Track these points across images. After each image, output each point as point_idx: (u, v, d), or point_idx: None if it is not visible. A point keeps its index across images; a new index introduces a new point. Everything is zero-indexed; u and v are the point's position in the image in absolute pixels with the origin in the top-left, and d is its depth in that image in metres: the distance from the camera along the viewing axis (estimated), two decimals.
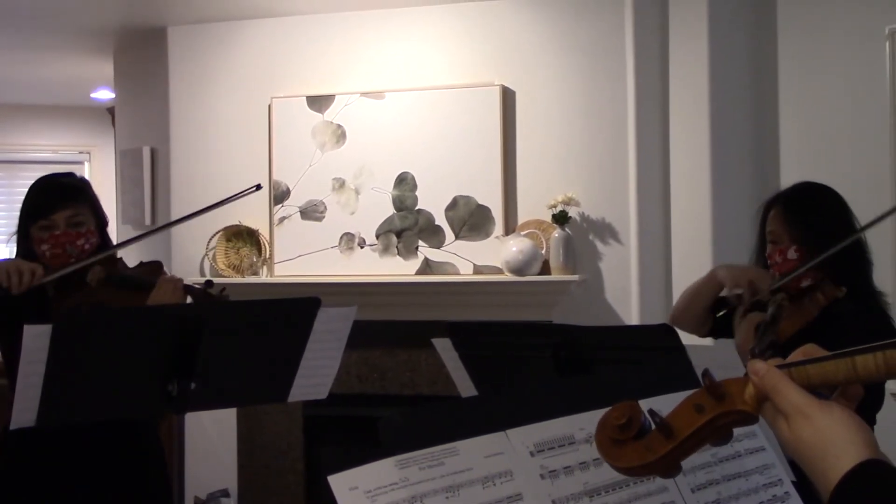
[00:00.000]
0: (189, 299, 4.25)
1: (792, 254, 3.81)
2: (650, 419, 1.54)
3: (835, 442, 1.44)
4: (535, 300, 6.92)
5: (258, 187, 4.60)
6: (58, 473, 4.16)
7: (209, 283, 4.28)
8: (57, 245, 4.16)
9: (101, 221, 4.39)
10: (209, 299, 4.19)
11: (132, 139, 8.31)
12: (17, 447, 4.13)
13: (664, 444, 1.52)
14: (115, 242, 4.59)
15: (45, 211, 4.19)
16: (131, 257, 4.63)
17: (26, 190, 4.35)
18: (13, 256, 4.33)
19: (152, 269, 4.40)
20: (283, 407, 7.32)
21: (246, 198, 7.52)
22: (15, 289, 3.95)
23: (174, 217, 7.65)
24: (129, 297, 4.17)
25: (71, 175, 4.47)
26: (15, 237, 4.33)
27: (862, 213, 3.98)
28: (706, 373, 1.55)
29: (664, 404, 1.62)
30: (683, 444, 1.52)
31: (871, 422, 3.61)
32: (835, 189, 3.97)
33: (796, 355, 1.56)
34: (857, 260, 3.85)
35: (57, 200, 4.20)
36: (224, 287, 4.32)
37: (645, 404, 1.58)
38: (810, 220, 3.83)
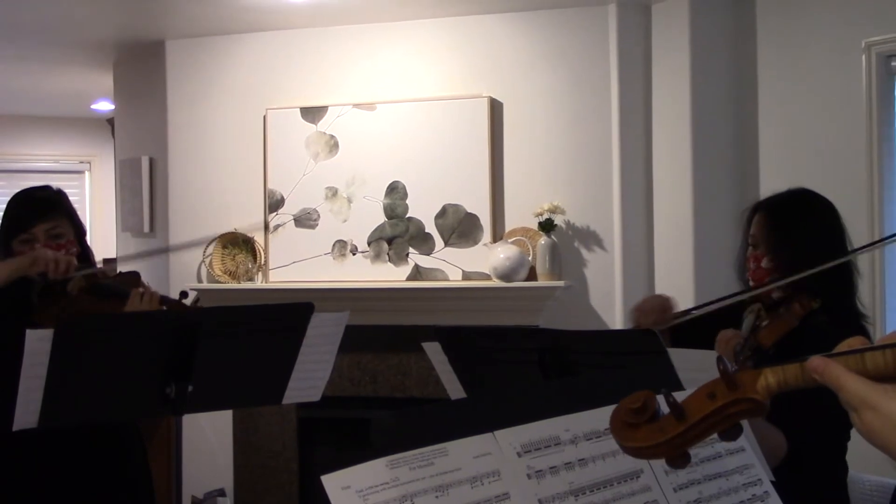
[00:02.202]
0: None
1: (766, 263, 3.71)
2: (664, 403, 1.55)
3: None
4: (522, 305, 6.93)
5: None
6: (38, 474, 4.14)
7: (184, 294, 4.27)
8: None
9: (80, 231, 4.38)
10: (183, 310, 4.19)
11: (131, 149, 8.31)
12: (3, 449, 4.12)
13: (676, 427, 1.52)
14: (114, 249, 4.59)
15: (25, 225, 4.18)
16: (130, 264, 4.63)
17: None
18: None
19: (130, 280, 4.39)
20: (278, 409, 7.32)
21: (242, 206, 7.57)
22: (52, 274, 4.00)
23: (172, 226, 7.66)
24: (108, 307, 4.16)
25: (47, 188, 4.45)
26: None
27: None
28: (720, 359, 1.55)
29: None
30: (694, 427, 1.52)
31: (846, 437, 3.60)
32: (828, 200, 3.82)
33: (840, 348, 1.55)
34: (836, 278, 3.74)
35: (35, 214, 4.20)
36: (198, 297, 4.33)
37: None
38: (789, 234, 3.69)
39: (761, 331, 3.68)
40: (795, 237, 3.70)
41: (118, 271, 4.52)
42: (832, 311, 3.60)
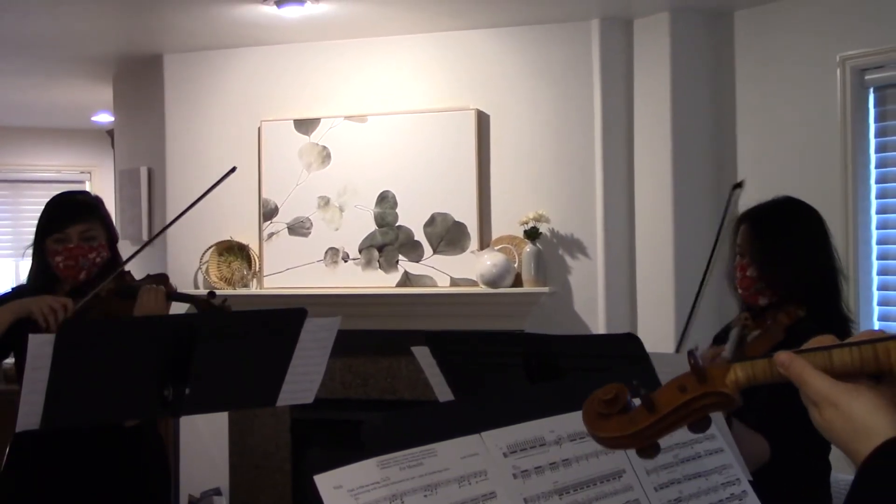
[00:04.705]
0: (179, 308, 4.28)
1: (751, 272, 3.72)
2: (636, 394, 1.55)
3: (864, 424, 1.43)
4: (508, 311, 6.93)
5: (233, 169, 4.58)
6: (63, 474, 4.15)
7: (212, 294, 4.29)
8: (70, 257, 4.18)
9: (112, 237, 4.41)
10: (210, 308, 4.21)
11: (130, 160, 8.30)
12: (25, 449, 4.12)
13: (647, 418, 1.52)
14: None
15: (60, 225, 4.21)
16: (132, 270, 4.62)
17: (31, 207, 4.38)
18: (28, 268, 4.37)
19: (157, 281, 4.40)
20: (272, 411, 7.32)
21: (237, 215, 7.55)
22: (52, 328, 3.94)
23: (170, 233, 7.64)
24: (132, 307, 4.18)
25: (85, 193, 4.51)
26: (30, 250, 4.34)
27: None
28: (691, 353, 1.55)
29: None
30: (664, 419, 1.52)
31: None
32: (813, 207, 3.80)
33: (810, 344, 1.55)
34: (820, 282, 3.74)
35: (72, 215, 4.23)
36: (226, 298, 4.33)
37: None
38: (771, 242, 3.70)
39: (747, 346, 3.68)
40: (777, 245, 3.69)
41: (147, 274, 4.52)
42: (818, 318, 3.59)
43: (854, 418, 1.44)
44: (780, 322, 3.62)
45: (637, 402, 1.55)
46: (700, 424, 1.56)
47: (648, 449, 1.57)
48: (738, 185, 3.77)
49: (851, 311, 3.82)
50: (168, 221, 7.59)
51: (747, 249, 3.75)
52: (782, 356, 1.52)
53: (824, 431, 1.48)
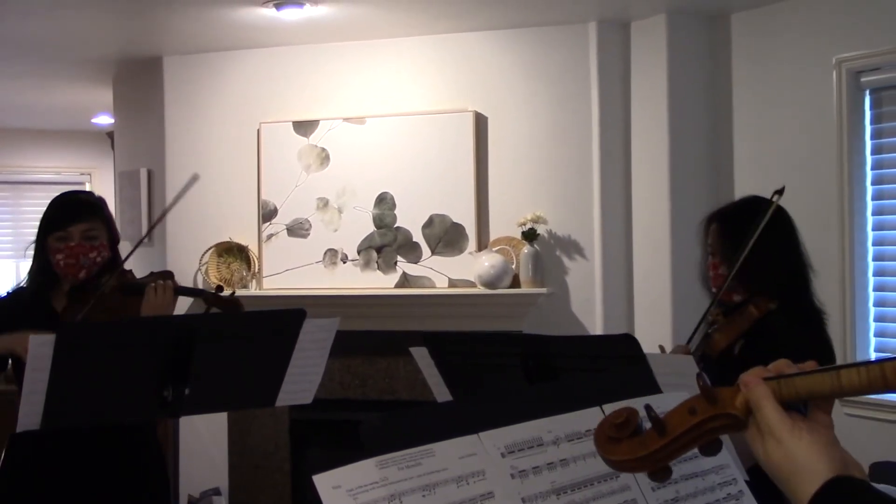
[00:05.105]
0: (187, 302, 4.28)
1: (723, 270, 3.80)
2: (646, 417, 1.55)
3: (804, 465, 1.45)
4: (505, 312, 6.93)
5: (196, 176, 4.57)
6: (62, 474, 4.15)
7: (220, 288, 4.30)
8: (71, 255, 4.18)
9: (114, 237, 4.40)
10: (219, 301, 4.21)
11: (130, 161, 8.29)
12: (23, 449, 4.12)
13: (657, 441, 1.52)
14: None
15: (63, 223, 4.21)
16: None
17: (31, 209, 4.38)
18: (28, 267, 4.38)
19: (162, 278, 4.39)
20: (271, 411, 7.32)
21: (237, 216, 7.55)
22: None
23: (169, 235, 7.65)
24: (134, 302, 4.19)
25: (89, 193, 4.52)
26: (31, 249, 4.33)
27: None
28: (699, 375, 1.55)
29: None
30: (675, 441, 1.52)
31: None
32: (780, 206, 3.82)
33: (774, 368, 1.56)
34: (791, 276, 3.79)
35: (74, 214, 4.23)
36: (234, 291, 4.35)
37: (613, 407, 1.58)
38: (739, 240, 3.74)
39: (712, 337, 3.73)
40: (745, 243, 3.74)
41: (150, 272, 4.52)
42: (790, 311, 3.64)
43: (795, 458, 1.46)
44: (750, 314, 3.69)
45: (648, 424, 1.55)
46: (711, 447, 1.56)
47: (659, 472, 1.57)
48: (779, 192, 3.80)
49: (825, 303, 3.85)
50: (167, 224, 7.62)
51: (718, 248, 3.84)
52: (746, 377, 1.53)
53: (763, 463, 1.50)
